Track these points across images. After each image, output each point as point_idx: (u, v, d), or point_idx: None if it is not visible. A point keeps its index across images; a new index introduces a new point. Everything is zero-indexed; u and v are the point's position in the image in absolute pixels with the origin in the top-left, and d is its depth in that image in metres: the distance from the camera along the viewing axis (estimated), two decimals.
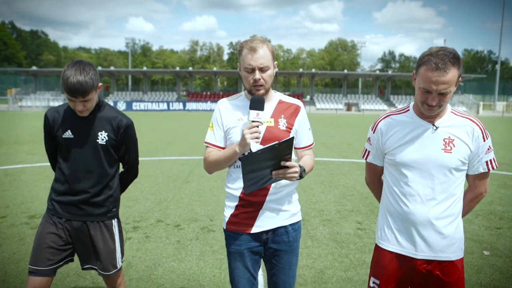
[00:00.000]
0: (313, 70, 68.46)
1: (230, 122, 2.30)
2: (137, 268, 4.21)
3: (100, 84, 2.46)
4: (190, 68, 69.95)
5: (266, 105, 2.25)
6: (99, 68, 65.27)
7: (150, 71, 64.35)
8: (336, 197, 7.21)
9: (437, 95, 1.96)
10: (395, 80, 71.93)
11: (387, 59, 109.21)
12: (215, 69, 72.42)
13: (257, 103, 2.15)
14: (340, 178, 8.97)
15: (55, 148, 2.61)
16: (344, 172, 9.71)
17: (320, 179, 8.79)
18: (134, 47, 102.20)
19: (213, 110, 2.41)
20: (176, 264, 4.32)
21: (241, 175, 2.08)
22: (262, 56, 2.18)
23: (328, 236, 5.24)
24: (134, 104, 49.91)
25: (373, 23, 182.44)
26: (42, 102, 49.77)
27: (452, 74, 1.92)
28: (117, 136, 2.56)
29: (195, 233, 5.27)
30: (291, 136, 2.27)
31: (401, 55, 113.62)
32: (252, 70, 2.20)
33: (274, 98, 2.37)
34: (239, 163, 2.25)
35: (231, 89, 76.09)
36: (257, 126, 2.13)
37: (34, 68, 59.25)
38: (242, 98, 2.37)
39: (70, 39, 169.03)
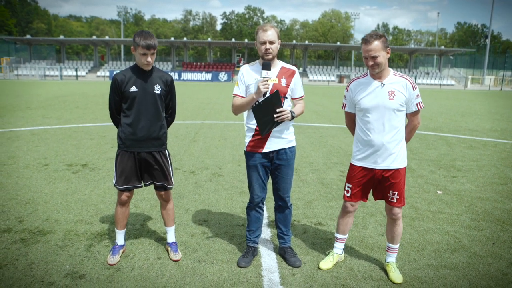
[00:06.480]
0: (306, 42, 68.88)
1: (249, 80, 3.45)
2: None
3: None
4: (185, 39, 69.92)
5: (272, 69, 3.42)
6: (94, 37, 64.92)
7: None
8: (324, 154, 8.46)
9: (370, 58, 3.13)
10: None
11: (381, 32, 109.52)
12: (209, 39, 72.44)
13: (266, 66, 3.32)
14: (328, 139, 10.22)
15: (120, 103, 3.56)
16: (332, 135, 10.96)
17: (311, 140, 10.04)
18: (126, 16, 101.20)
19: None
20: (196, 196, 5.54)
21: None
22: (270, 34, 3.35)
23: (316, 180, 6.49)
24: None
25: None
26: (38, 71, 49.86)
27: (375, 43, 3.09)
28: (166, 87, 3.61)
29: (208, 177, 6.49)
30: (289, 90, 3.47)
31: (395, 27, 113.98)
32: (264, 43, 3.34)
33: (278, 64, 3.52)
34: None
35: (224, 60, 76.30)
36: (267, 81, 3.30)
37: (28, 36, 59.00)
38: (257, 64, 3.51)
39: (60, 7, 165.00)
